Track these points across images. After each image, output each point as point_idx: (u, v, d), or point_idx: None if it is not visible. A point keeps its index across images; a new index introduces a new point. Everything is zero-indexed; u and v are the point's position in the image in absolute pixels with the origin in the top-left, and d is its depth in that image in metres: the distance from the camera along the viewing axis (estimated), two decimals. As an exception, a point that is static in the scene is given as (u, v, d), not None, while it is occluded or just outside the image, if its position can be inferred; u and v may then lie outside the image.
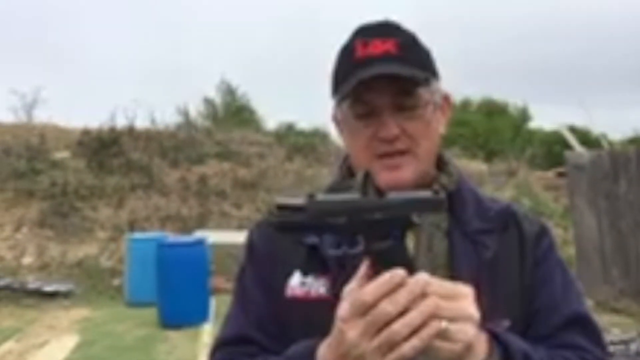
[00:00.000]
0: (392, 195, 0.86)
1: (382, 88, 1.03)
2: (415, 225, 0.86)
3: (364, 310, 0.82)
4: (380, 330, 0.81)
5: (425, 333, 0.80)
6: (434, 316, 0.81)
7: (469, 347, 0.84)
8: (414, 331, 0.80)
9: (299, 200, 0.86)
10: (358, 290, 0.83)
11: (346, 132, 1.11)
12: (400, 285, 0.81)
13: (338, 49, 1.11)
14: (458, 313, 0.83)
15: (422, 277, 0.82)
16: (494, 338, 0.92)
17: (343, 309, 0.85)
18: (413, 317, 0.80)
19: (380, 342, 0.81)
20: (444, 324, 0.81)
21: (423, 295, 0.81)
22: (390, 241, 0.84)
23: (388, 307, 0.80)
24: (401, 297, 0.80)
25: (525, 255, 1.10)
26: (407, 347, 0.80)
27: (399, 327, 0.80)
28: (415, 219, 0.86)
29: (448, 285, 0.85)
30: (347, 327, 0.83)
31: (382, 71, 1.02)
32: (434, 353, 0.82)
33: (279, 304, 1.08)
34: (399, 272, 0.82)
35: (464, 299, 0.84)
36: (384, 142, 1.05)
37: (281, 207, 0.86)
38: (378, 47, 1.05)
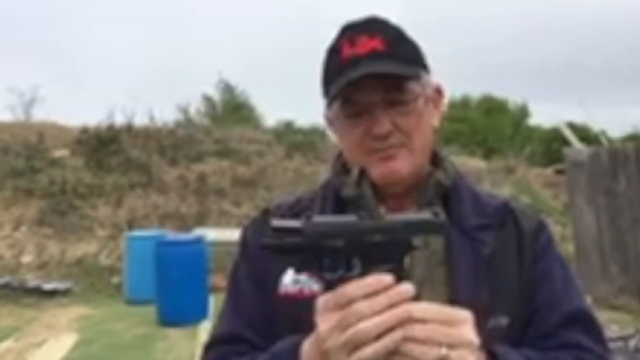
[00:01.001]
0: (391, 217, 0.85)
1: (372, 86, 1.02)
2: (415, 248, 0.85)
3: (341, 305, 0.81)
4: (350, 327, 0.80)
5: (389, 338, 0.79)
6: (406, 322, 0.80)
7: None
8: (382, 335, 0.79)
9: (295, 223, 0.84)
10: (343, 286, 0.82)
11: (339, 131, 1.11)
12: (385, 289, 0.80)
13: (326, 49, 1.10)
14: (457, 339, 0.82)
15: (408, 287, 0.81)
16: (493, 358, 0.91)
17: (321, 301, 0.84)
18: (383, 319, 0.79)
19: (347, 339, 0.80)
20: (443, 350, 0.80)
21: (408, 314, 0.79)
22: (389, 265, 0.83)
23: (362, 305, 0.79)
24: (380, 300, 0.79)
25: (524, 251, 1.09)
26: (369, 350, 0.79)
27: (365, 326, 0.79)
28: (415, 241, 0.84)
29: (447, 311, 0.84)
30: (321, 319, 0.83)
31: (369, 71, 1.01)
32: None
33: (272, 302, 1.07)
34: (386, 277, 0.81)
35: (463, 324, 0.83)
36: (377, 138, 1.04)
37: (277, 230, 0.84)
38: (365, 45, 1.04)
